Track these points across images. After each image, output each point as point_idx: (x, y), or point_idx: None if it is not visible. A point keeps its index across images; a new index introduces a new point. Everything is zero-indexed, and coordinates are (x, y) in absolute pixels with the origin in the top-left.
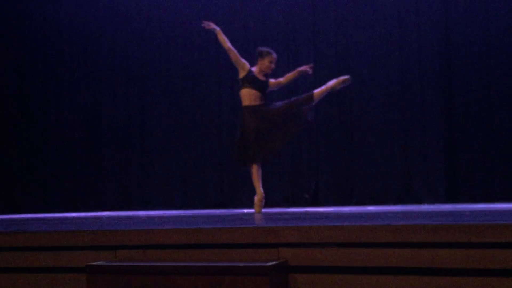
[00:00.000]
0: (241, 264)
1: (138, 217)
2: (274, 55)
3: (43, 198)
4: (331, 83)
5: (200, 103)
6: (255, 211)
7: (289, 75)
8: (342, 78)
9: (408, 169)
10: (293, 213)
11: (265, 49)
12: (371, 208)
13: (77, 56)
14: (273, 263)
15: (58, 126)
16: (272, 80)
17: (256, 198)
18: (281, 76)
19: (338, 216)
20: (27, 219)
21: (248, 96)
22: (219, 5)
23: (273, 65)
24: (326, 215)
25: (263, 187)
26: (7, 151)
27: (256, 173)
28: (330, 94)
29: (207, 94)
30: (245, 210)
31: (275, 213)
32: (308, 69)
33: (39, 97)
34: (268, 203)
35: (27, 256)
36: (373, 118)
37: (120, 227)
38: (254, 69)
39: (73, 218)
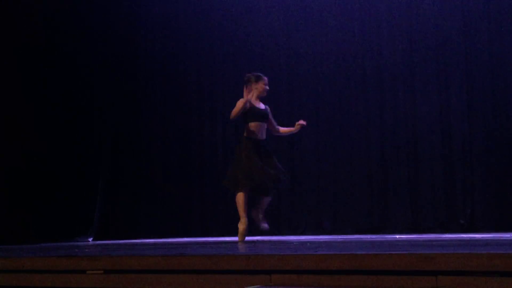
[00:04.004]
0: None
1: (289, 242)
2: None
3: (199, 223)
4: None
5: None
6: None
7: (286, 129)
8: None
9: None
10: (449, 239)
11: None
12: None
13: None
14: None
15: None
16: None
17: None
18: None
19: (499, 243)
20: (185, 243)
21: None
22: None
23: (267, 87)
24: (485, 242)
25: None
26: (161, 179)
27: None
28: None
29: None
30: (398, 236)
31: (430, 240)
32: (303, 123)
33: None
34: (421, 229)
35: (185, 278)
36: None
37: (274, 251)
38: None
39: (227, 242)
